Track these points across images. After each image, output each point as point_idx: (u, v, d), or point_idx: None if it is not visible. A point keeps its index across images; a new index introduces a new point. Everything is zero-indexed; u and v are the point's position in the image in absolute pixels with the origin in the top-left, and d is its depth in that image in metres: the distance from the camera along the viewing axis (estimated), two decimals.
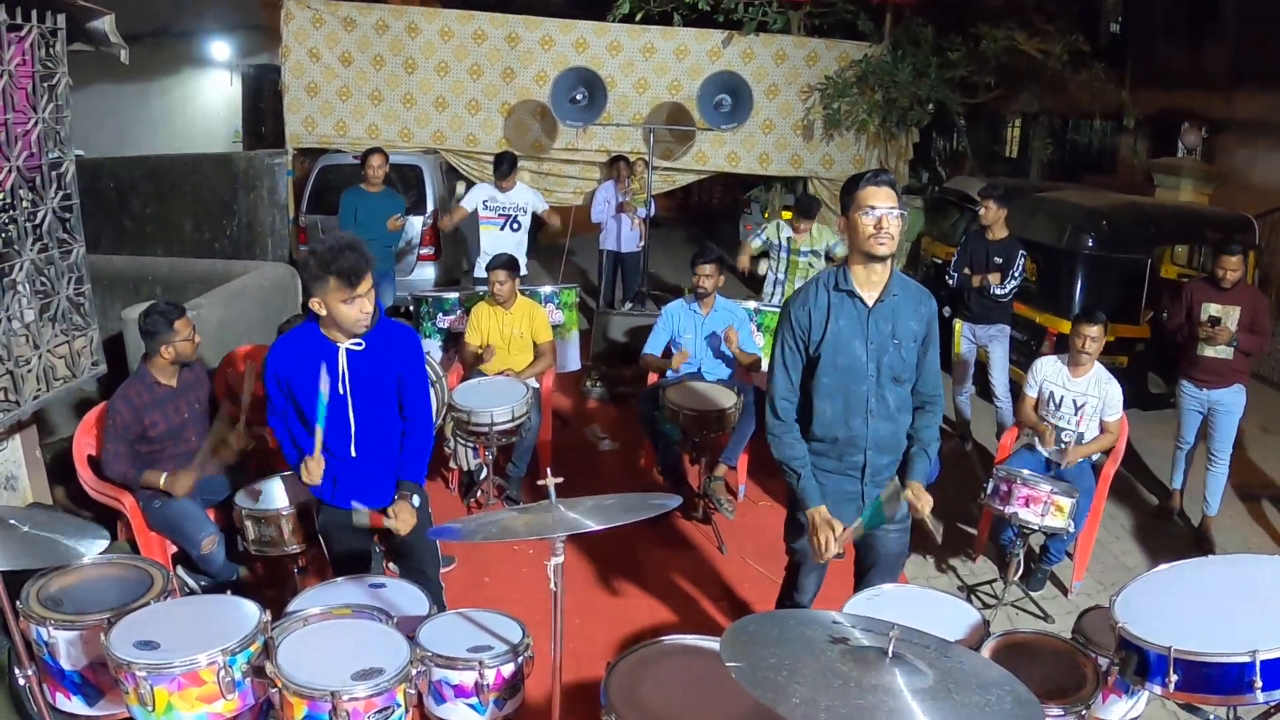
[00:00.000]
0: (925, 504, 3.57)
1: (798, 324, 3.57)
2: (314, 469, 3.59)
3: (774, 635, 2.48)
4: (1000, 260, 6.91)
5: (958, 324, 7.23)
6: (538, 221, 8.40)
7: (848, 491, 3.68)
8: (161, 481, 4.53)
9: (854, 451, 3.62)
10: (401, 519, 3.64)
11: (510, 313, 6.37)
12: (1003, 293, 6.89)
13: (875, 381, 3.54)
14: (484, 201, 8.15)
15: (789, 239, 7.69)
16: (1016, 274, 6.87)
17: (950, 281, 7.19)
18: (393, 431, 3.76)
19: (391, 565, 4.32)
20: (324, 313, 3.46)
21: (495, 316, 6.37)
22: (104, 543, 3.20)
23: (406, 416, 3.77)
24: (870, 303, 3.49)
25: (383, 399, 3.67)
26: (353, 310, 3.42)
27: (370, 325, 3.52)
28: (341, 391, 3.57)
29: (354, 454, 3.68)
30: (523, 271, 8.11)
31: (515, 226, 8.18)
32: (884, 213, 3.34)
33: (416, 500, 3.73)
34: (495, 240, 7.99)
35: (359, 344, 3.56)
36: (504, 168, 8.09)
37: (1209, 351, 6.02)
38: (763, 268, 8.10)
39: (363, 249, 3.43)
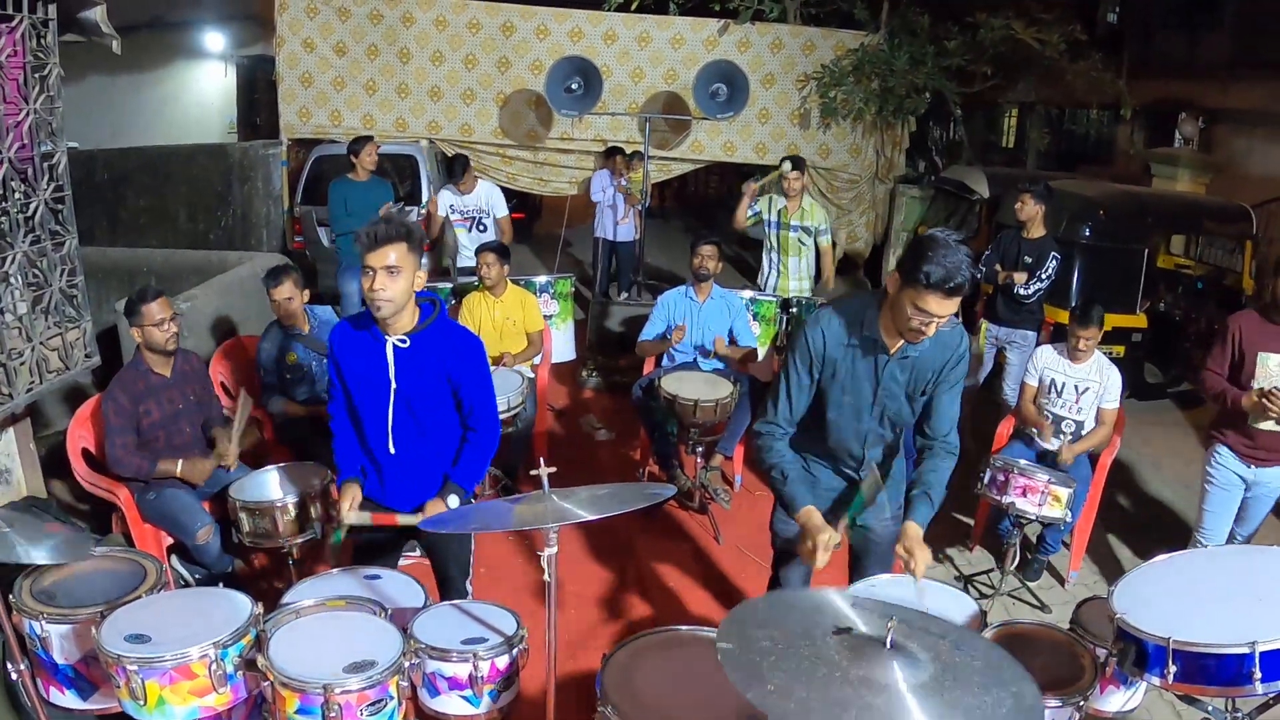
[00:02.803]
0: (920, 560, 3.21)
1: (814, 350, 3.36)
2: (348, 501, 3.61)
3: (777, 618, 2.46)
4: (1030, 260, 6.62)
5: (983, 324, 7.09)
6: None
7: (836, 485, 3.69)
8: (178, 469, 4.52)
9: (849, 470, 3.63)
10: (428, 514, 3.55)
11: (501, 301, 6.37)
12: (1026, 294, 6.60)
13: (878, 422, 3.48)
14: (450, 206, 8.16)
15: (780, 211, 7.61)
16: (1044, 277, 6.56)
17: (978, 276, 6.99)
18: (436, 436, 3.66)
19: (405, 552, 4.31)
20: None
21: (487, 304, 6.37)
22: (89, 547, 3.17)
23: (470, 425, 3.66)
24: (892, 351, 3.31)
25: (427, 400, 3.57)
26: (365, 281, 3.33)
27: (390, 312, 3.38)
28: (390, 380, 3.52)
29: (392, 450, 3.62)
30: None
31: (481, 228, 8.17)
32: (935, 322, 3.08)
33: (454, 502, 3.61)
34: (467, 239, 8.09)
35: (404, 341, 3.47)
36: (457, 171, 8.10)
37: (1268, 425, 4.60)
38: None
39: (396, 221, 3.34)
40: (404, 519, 3.61)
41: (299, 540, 4.25)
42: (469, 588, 3.88)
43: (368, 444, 3.68)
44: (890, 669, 2.19)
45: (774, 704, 2.11)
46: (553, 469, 2.96)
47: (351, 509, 3.64)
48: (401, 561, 4.07)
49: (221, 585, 3.38)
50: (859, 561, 3.82)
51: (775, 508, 3.85)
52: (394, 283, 3.33)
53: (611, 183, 10.10)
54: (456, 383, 3.58)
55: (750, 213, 7.81)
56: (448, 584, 3.79)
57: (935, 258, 2.96)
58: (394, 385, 3.51)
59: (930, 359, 3.31)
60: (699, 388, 5.78)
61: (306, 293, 5.48)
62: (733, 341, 6.34)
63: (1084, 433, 5.39)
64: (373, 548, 3.84)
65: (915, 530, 3.29)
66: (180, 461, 4.55)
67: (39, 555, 2.89)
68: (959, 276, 2.96)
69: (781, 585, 3.94)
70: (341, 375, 3.61)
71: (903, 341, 3.26)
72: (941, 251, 2.96)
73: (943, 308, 3.02)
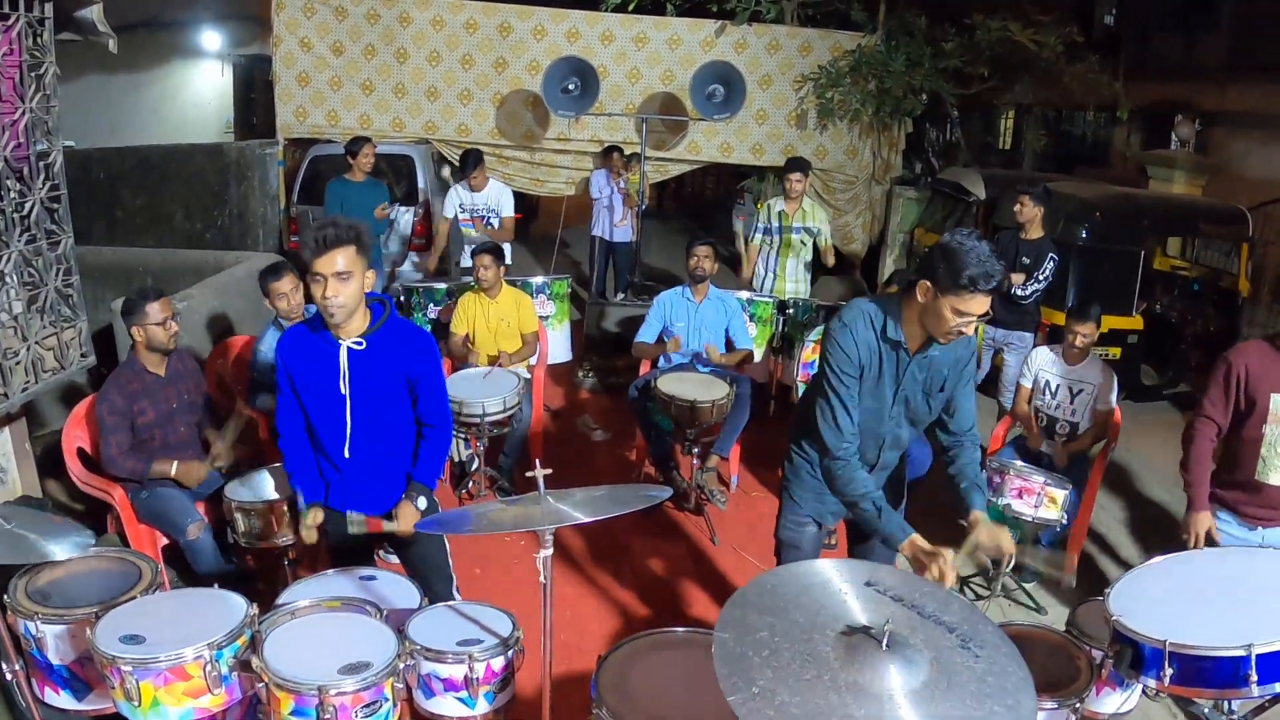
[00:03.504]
0: (1005, 543, 3.35)
1: (852, 357, 3.34)
2: (310, 520, 3.65)
3: (781, 603, 2.43)
4: (1027, 261, 6.59)
5: (980, 326, 7.05)
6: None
7: None
8: (173, 471, 4.51)
9: (865, 467, 3.59)
10: (403, 519, 3.56)
11: (496, 301, 6.37)
12: (1023, 294, 6.57)
13: (896, 423, 3.49)
14: (459, 205, 8.14)
15: (780, 213, 7.61)
16: (1041, 278, 6.52)
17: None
18: (394, 436, 3.64)
19: (381, 554, 4.30)
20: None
21: (481, 305, 6.36)
22: (89, 541, 3.17)
23: (424, 421, 3.65)
24: (913, 351, 3.34)
25: (384, 402, 3.53)
26: (315, 289, 3.26)
27: (343, 318, 3.33)
28: (342, 391, 3.46)
29: (346, 455, 3.59)
30: (506, 262, 8.10)
31: (489, 227, 8.16)
32: (974, 321, 3.14)
33: (423, 503, 3.62)
34: (476, 236, 8.02)
35: (359, 343, 3.42)
36: (470, 166, 8.08)
37: (1276, 480, 3.98)
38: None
39: (342, 224, 3.26)
40: (389, 526, 3.60)
41: (294, 540, 4.24)
42: (456, 594, 3.86)
43: (324, 450, 3.63)
44: (884, 673, 2.18)
45: (755, 709, 2.10)
46: (548, 470, 2.95)
47: (313, 532, 3.67)
48: (381, 558, 4.08)
49: (217, 586, 3.37)
50: None
51: (781, 514, 3.84)
52: (345, 287, 3.27)
53: (609, 183, 10.10)
54: (414, 380, 3.55)
55: (759, 235, 7.80)
56: (433, 596, 3.76)
57: (971, 260, 3.03)
58: (350, 389, 3.47)
59: (945, 355, 3.37)
60: (695, 389, 5.77)
61: (301, 285, 5.46)
62: (729, 344, 6.34)
63: (1079, 434, 5.41)
64: (347, 550, 3.82)
65: (981, 516, 3.41)
66: (175, 463, 4.54)
67: (58, 549, 2.92)
68: (997, 272, 3.05)
69: None
70: (294, 384, 3.55)
71: (922, 342, 3.30)
72: (973, 253, 3.03)
73: (983, 306, 3.10)
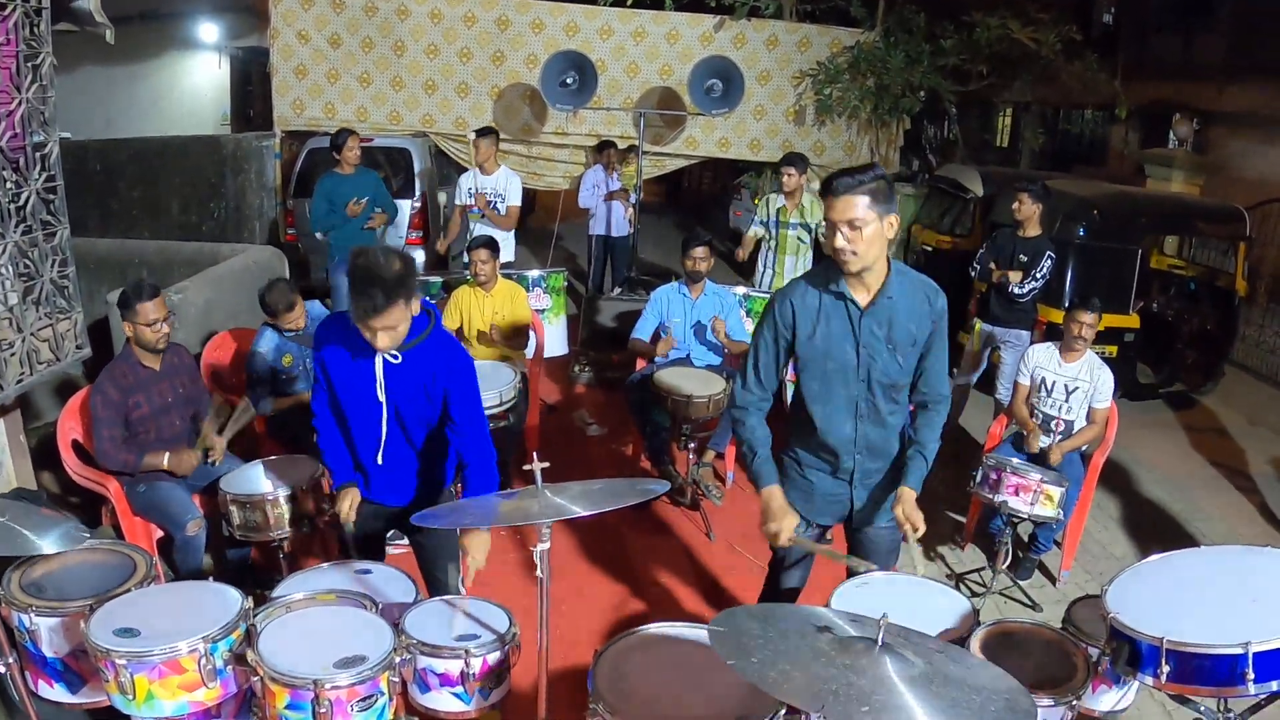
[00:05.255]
0: (915, 522, 3.33)
1: (781, 319, 3.40)
2: (346, 504, 3.63)
3: (770, 617, 2.48)
4: (1025, 259, 6.59)
5: (977, 323, 7.06)
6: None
7: (835, 494, 3.61)
8: (165, 462, 4.50)
9: (845, 457, 3.53)
10: (474, 549, 3.50)
11: (491, 295, 6.35)
12: (1021, 292, 6.56)
13: (866, 387, 3.41)
14: (468, 190, 8.11)
15: (779, 210, 7.60)
16: (1039, 275, 6.52)
17: (972, 274, 7.02)
18: (425, 445, 3.63)
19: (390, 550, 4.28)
20: None
21: (476, 298, 6.34)
22: (85, 536, 3.16)
23: (458, 433, 3.56)
24: (863, 305, 3.31)
25: (417, 414, 3.54)
26: (366, 334, 3.27)
27: (396, 347, 3.35)
28: (379, 399, 3.48)
29: (380, 462, 3.61)
30: (510, 257, 8.06)
31: (494, 210, 8.14)
32: (841, 233, 3.15)
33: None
34: (479, 226, 7.97)
35: (395, 356, 3.42)
36: (482, 134, 8.13)
37: None
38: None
39: (389, 279, 3.16)
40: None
41: (289, 533, 4.23)
42: (462, 588, 3.85)
43: (356, 452, 3.66)
44: (879, 663, 2.21)
45: (757, 672, 2.14)
46: (546, 464, 2.94)
47: (351, 512, 3.64)
48: (389, 551, 4.07)
49: (211, 579, 3.36)
50: None
51: None
52: (398, 333, 3.30)
53: (605, 182, 10.06)
54: (448, 399, 3.52)
55: (757, 227, 7.81)
56: (438, 587, 3.77)
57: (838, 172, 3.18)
58: (385, 400, 3.48)
59: (904, 306, 3.33)
60: (693, 384, 5.77)
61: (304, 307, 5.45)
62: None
63: (1074, 432, 5.40)
64: (363, 541, 3.82)
65: (908, 494, 3.38)
66: (167, 454, 4.53)
67: (48, 543, 2.89)
68: (846, 174, 3.13)
69: (779, 585, 3.91)
70: (328, 375, 3.57)
71: (873, 296, 3.29)
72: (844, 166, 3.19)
73: (835, 211, 3.13)
